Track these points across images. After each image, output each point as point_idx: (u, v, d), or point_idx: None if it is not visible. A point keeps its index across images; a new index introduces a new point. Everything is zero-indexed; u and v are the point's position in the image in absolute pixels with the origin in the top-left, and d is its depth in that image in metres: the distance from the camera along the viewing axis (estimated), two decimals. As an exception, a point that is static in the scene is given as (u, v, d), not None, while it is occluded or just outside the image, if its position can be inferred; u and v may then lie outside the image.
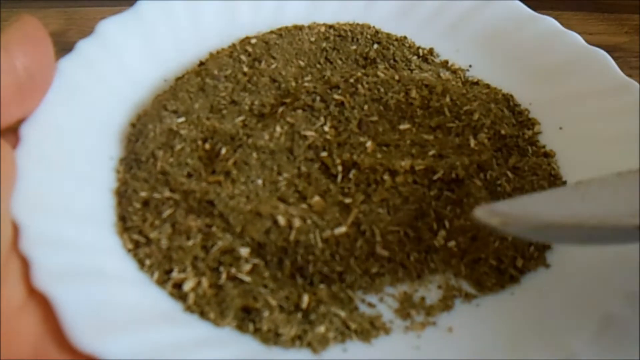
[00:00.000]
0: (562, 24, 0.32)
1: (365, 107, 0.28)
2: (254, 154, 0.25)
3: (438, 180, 0.25)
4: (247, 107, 0.28)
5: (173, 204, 0.23)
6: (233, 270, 0.22)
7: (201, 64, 0.30)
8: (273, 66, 0.29)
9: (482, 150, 0.26)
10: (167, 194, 0.24)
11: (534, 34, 0.32)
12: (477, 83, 0.31)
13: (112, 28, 0.29)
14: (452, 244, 0.24)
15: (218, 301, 0.21)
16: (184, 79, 0.28)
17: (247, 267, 0.22)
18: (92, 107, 0.26)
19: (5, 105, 0.21)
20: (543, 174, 0.27)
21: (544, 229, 0.18)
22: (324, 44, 0.31)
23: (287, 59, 0.30)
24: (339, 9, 0.34)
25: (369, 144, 0.26)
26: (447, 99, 0.28)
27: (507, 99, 0.30)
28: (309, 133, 0.26)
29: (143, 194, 0.24)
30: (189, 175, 0.24)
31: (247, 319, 0.21)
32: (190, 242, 0.23)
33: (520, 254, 0.24)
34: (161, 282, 0.22)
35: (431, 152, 0.26)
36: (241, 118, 0.27)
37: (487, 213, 0.19)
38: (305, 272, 0.23)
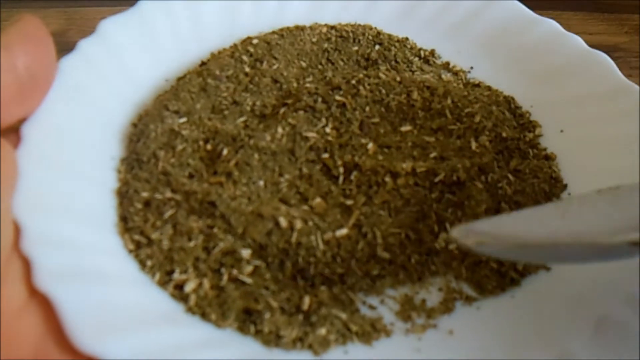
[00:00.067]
0: (562, 24, 0.32)
1: (367, 108, 0.28)
2: (256, 155, 0.25)
3: (439, 182, 0.25)
4: (248, 108, 0.28)
5: (174, 204, 0.23)
6: (234, 271, 0.22)
7: (203, 64, 0.30)
8: (275, 67, 0.29)
9: (484, 153, 0.26)
10: (168, 194, 0.24)
11: (535, 36, 0.32)
12: (478, 85, 0.31)
13: (114, 28, 0.29)
14: (453, 246, 0.24)
15: (219, 302, 0.21)
16: (185, 79, 0.28)
17: (249, 268, 0.22)
18: (93, 107, 0.26)
19: (6, 104, 0.21)
20: (544, 176, 0.27)
21: (521, 248, 0.18)
22: (326, 45, 0.31)
23: (289, 60, 0.30)
24: (340, 9, 0.34)
25: (370, 145, 0.26)
26: (449, 101, 0.28)
27: (509, 101, 0.30)
28: (310, 134, 0.26)
29: (144, 194, 0.24)
30: (191, 176, 0.24)
31: (248, 320, 0.21)
32: (191, 243, 0.22)
33: (521, 257, 0.24)
34: (162, 283, 0.22)
35: (432, 154, 0.26)
36: (243, 119, 0.27)
37: (463, 232, 0.19)
38: (306, 273, 0.22)
